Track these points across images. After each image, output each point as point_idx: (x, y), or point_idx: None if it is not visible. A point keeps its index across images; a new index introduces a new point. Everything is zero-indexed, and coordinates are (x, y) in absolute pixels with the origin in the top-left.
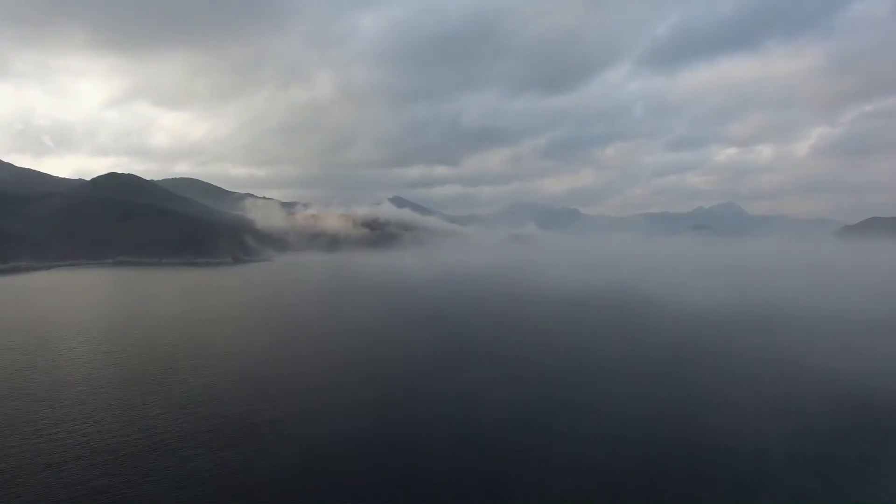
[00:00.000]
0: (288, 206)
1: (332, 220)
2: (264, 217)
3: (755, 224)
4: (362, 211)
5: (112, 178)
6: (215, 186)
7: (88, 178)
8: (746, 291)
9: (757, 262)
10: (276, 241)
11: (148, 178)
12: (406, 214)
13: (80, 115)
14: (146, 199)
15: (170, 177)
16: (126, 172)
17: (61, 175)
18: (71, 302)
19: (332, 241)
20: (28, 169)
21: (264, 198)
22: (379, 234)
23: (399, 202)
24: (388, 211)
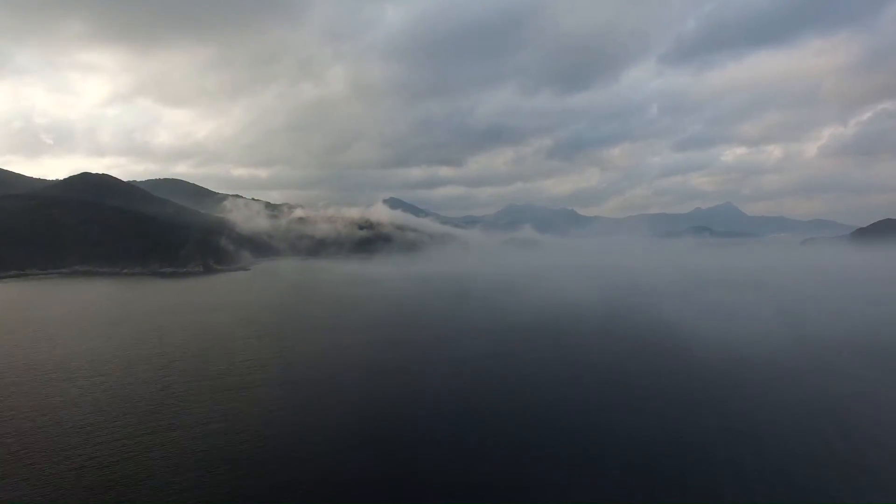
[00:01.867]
0: (274, 207)
1: (320, 223)
2: (246, 219)
3: (753, 225)
4: (353, 213)
5: (83, 178)
6: (201, 187)
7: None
8: (796, 314)
9: (778, 270)
10: (258, 246)
11: (148, 178)
12: (399, 216)
13: (82, 113)
14: (118, 201)
15: (169, 177)
16: (101, 172)
17: (59, 176)
18: None
19: (318, 245)
20: None
21: (252, 199)
22: (368, 236)
23: (394, 203)
24: (380, 213)
